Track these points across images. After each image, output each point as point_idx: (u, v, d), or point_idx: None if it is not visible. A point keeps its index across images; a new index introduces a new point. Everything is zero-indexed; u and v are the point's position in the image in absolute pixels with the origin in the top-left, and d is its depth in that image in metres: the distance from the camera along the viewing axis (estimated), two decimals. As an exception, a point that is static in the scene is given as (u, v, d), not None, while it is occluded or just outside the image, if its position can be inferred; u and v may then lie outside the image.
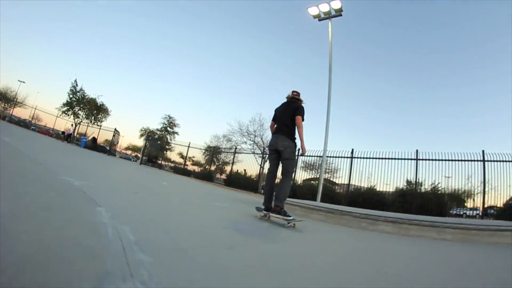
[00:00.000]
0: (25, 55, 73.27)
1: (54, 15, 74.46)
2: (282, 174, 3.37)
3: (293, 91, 3.63)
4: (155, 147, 22.53)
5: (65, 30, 79.83)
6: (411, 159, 9.71)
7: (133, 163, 22.99)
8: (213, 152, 19.98)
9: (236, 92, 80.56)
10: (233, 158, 16.36)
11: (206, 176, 16.55)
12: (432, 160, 9.43)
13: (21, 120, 28.83)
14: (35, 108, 28.78)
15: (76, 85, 25.51)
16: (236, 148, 17.41)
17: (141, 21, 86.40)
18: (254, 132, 20.03)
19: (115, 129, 22.50)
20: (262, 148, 18.77)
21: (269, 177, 3.55)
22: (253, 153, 17.15)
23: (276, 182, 3.64)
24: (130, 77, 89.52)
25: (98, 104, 25.91)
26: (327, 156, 10.66)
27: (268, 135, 18.98)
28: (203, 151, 19.71)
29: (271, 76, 77.86)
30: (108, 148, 23.36)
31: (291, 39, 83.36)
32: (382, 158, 10.23)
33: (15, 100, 29.87)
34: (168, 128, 31.83)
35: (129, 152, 47.90)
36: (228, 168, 17.66)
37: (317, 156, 12.00)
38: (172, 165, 22.81)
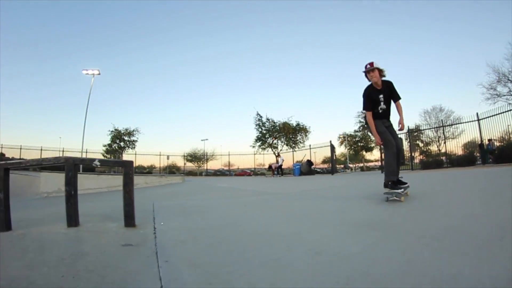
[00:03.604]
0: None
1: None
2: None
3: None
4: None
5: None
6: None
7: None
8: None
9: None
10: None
11: (468, 159, 13.08)
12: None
13: (217, 170, 33.55)
14: (229, 154, 31.21)
15: (260, 117, 24.13)
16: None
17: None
18: None
19: (331, 142, 19.21)
20: None
21: None
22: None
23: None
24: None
25: (293, 126, 23.64)
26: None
27: None
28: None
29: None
30: (315, 168, 20.54)
31: None
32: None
33: (206, 155, 34.99)
34: (366, 125, 28.01)
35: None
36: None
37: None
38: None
